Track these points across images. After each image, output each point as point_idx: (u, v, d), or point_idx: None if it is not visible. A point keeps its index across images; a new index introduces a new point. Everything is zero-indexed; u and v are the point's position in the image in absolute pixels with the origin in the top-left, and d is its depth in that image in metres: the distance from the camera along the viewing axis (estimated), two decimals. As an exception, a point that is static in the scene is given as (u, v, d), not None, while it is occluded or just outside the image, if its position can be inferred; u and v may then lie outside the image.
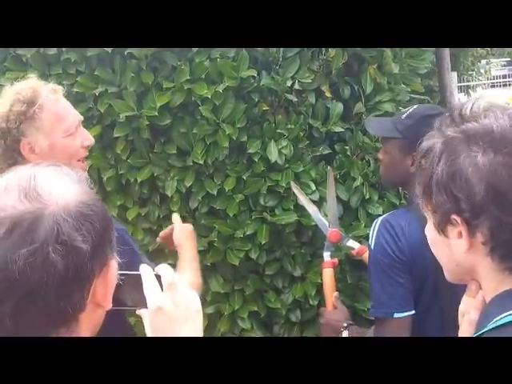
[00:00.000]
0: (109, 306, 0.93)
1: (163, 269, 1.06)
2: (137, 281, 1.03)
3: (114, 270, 0.93)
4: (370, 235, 2.03)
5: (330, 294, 2.40)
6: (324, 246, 2.50)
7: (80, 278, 0.85)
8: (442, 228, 1.04)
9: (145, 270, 1.05)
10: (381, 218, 2.03)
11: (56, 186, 0.87)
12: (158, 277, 1.04)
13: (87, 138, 1.87)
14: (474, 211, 0.96)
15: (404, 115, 2.06)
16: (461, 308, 1.10)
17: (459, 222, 0.99)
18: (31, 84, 1.80)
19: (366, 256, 2.36)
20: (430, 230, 1.09)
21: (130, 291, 1.01)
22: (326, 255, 2.46)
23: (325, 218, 2.58)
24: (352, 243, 2.48)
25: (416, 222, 1.93)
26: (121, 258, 0.96)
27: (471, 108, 1.03)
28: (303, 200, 2.62)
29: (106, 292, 0.92)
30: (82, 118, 1.89)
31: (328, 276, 2.42)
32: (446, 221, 1.01)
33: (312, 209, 2.59)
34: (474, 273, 1.03)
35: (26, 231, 0.80)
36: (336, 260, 2.49)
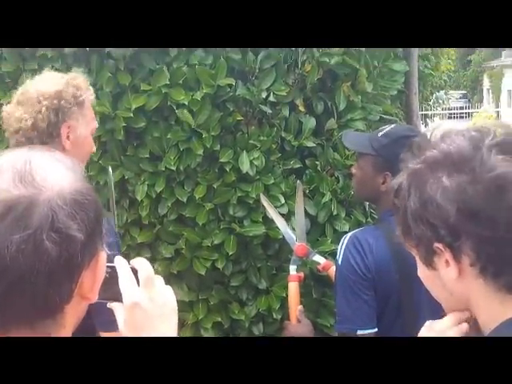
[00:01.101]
0: (95, 298, 0.90)
1: (140, 262, 1.03)
2: (111, 273, 1.00)
3: (102, 262, 0.90)
4: (338, 250, 2.05)
5: (295, 307, 2.41)
6: (290, 260, 2.50)
7: (71, 268, 0.82)
8: (429, 262, 1.04)
9: (120, 263, 1.01)
10: (349, 234, 2.05)
11: (51, 171, 0.84)
12: (135, 270, 1.01)
13: (94, 145, 1.98)
14: (453, 234, 0.97)
15: (381, 133, 2.08)
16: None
17: (442, 248, 0.99)
18: (79, 76, 1.91)
19: (331, 271, 2.38)
20: (421, 270, 1.09)
21: (104, 283, 0.97)
22: (292, 269, 2.47)
23: (292, 232, 2.59)
24: (318, 258, 2.50)
25: (383, 240, 1.96)
26: (109, 251, 0.94)
27: (429, 138, 1.07)
28: (272, 213, 2.63)
29: (94, 284, 0.89)
30: None
31: (293, 290, 2.43)
32: (431, 252, 1.02)
33: (280, 222, 2.61)
34: (469, 300, 1.03)
35: (19, 216, 0.77)
36: (302, 274, 2.50)
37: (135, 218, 2.88)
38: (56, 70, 2.67)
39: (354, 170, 2.21)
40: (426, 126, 9.87)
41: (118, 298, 1.00)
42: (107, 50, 2.65)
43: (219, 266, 2.82)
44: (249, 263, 2.91)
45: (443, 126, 1.10)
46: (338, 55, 2.76)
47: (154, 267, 2.86)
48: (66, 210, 0.80)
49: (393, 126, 2.13)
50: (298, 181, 2.74)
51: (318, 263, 2.48)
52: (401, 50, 4.35)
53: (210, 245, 2.79)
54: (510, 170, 0.95)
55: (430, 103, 8.92)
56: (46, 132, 1.76)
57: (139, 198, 2.79)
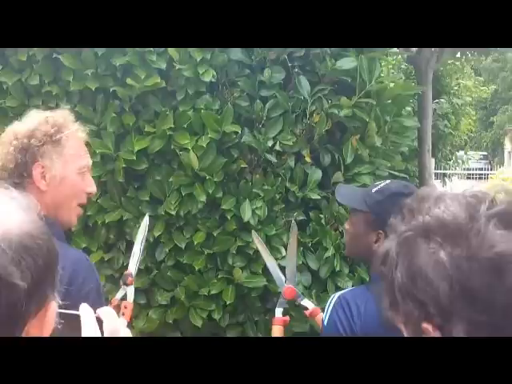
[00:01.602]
0: None
1: (106, 313, 0.95)
2: (74, 321, 0.93)
3: (52, 312, 0.83)
4: (325, 310, 1.94)
5: None
6: (277, 302, 2.41)
7: (14, 318, 0.75)
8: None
9: (85, 312, 0.94)
10: (338, 294, 1.95)
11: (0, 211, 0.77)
12: (100, 321, 0.94)
13: (92, 185, 1.81)
14: (444, 314, 0.86)
15: (375, 189, 1.99)
16: None
17: (431, 329, 0.88)
18: (63, 113, 1.79)
19: (318, 318, 2.28)
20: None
21: (66, 331, 0.90)
22: (278, 311, 2.37)
23: (282, 274, 2.50)
24: (306, 303, 2.39)
25: (373, 304, 1.86)
26: (84, 299, 0.87)
27: (421, 201, 0.96)
28: (262, 251, 2.54)
29: (41, 335, 0.82)
30: (91, 164, 1.86)
31: (277, 333, 2.32)
32: (418, 332, 0.90)
33: (270, 261, 2.51)
34: None
35: None
36: (287, 318, 2.39)
37: (131, 262, 2.81)
38: (59, 107, 2.69)
39: (346, 226, 2.11)
40: (444, 185, 9.79)
41: None
42: (112, 89, 2.64)
43: (216, 316, 2.74)
44: (246, 316, 2.82)
45: (437, 188, 1.02)
46: (347, 107, 2.72)
47: (148, 314, 2.77)
48: (10, 254, 0.73)
49: (387, 181, 2.04)
50: (293, 220, 2.64)
51: (306, 308, 2.37)
52: (415, 106, 4.34)
53: (206, 294, 2.72)
54: (510, 247, 0.83)
55: (450, 162, 8.86)
56: (16, 172, 1.68)
57: (136, 242, 2.72)
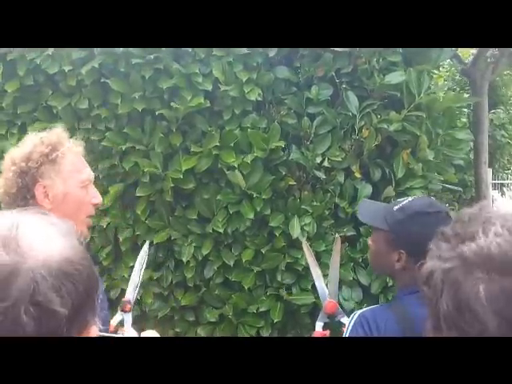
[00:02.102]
0: None
1: (151, 336, 0.96)
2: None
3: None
4: (346, 327, 1.89)
5: None
6: (318, 316, 2.36)
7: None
8: None
9: (131, 335, 0.94)
10: (359, 312, 1.88)
11: (39, 238, 0.77)
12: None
13: (96, 196, 1.83)
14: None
15: (396, 206, 1.89)
16: None
17: None
18: (57, 131, 1.81)
19: None
20: None
21: None
22: (319, 325, 2.31)
23: (326, 287, 2.44)
24: (345, 320, 2.34)
25: (393, 323, 1.79)
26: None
27: (467, 224, 0.90)
28: (310, 261, 2.48)
29: None
30: (93, 176, 1.87)
31: None
32: None
33: (316, 273, 2.45)
34: None
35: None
36: (327, 332, 2.33)
37: (180, 280, 2.83)
38: (109, 129, 2.74)
39: (369, 242, 2.04)
40: (502, 195, 9.52)
41: None
42: (159, 112, 2.66)
43: (264, 334, 2.72)
44: (296, 332, 2.78)
45: (483, 210, 0.93)
46: (397, 121, 2.67)
47: (196, 332, 2.78)
48: (50, 281, 0.73)
49: (410, 199, 1.93)
50: (337, 234, 2.59)
51: (344, 325, 2.32)
52: (470, 118, 4.23)
53: (255, 311, 2.70)
54: None
55: (508, 172, 8.61)
56: (19, 196, 1.71)
57: (185, 260, 2.75)
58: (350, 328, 1.85)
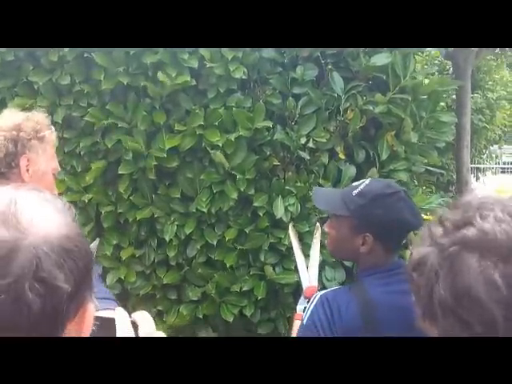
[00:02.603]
0: None
1: (141, 316, 0.94)
2: (109, 326, 0.92)
3: (90, 314, 0.81)
4: (306, 309, 1.88)
5: None
6: (299, 300, 2.38)
7: (54, 321, 0.73)
8: None
9: (120, 316, 0.93)
10: (320, 294, 1.87)
11: (38, 214, 0.75)
12: (135, 325, 0.93)
13: (54, 189, 1.91)
14: (490, 332, 0.80)
15: (355, 191, 1.87)
16: None
17: None
18: (41, 115, 1.86)
19: None
20: None
21: (102, 334, 0.89)
22: (299, 309, 2.33)
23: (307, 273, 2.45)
24: None
25: (355, 305, 1.79)
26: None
27: (463, 210, 0.88)
28: (294, 245, 2.49)
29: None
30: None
31: (297, 328, 2.28)
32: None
33: (299, 258, 2.46)
34: None
35: (0, 263, 0.69)
36: None
37: (162, 259, 2.82)
38: (91, 106, 2.70)
39: (327, 229, 2.01)
40: (477, 180, 9.59)
41: None
42: (143, 84, 2.63)
43: (247, 313, 2.72)
44: (278, 312, 2.79)
45: (479, 194, 0.91)
46: (382, 104, 2.66)
47: (179, 310, 2.77)
48: (53, 257, 0.71)
49: (367, 182, 1.91)
50: (317, 222, 2.57)
51: None
52: (453, 101, 4.25)
53: (238, 290, 2.70)
54: None
55: (483, 157, 8.68)
56: (4, 162, 1.73)
57: (167, 238, 2.73)
58: (310, 308, 1.84)
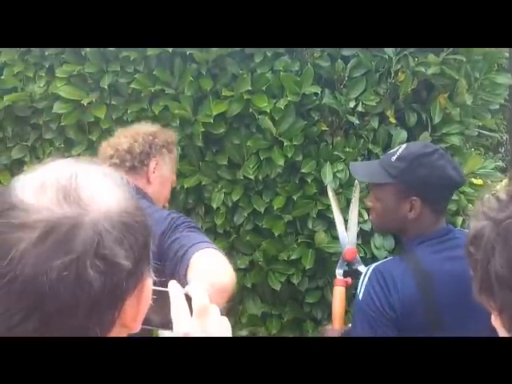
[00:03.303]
0: (137, 329, 0.80)
1: (195, 290, 0.91)
2: (163, 298, 0.90)
3: (148, 290, 0.80)
4: (360, 283, 1.83)
5: (339, 313, 2.22)
6: (338, 263, 2.33)
7: (114, 297, 0.72)
8: None
9: (174, 289, 0.91)
10: (372, 267, 1.84)
11: (98, 189, 0.74)
12: (189, 298, 0.91)
13: (168, 196, 2.22)
14: None
15: (394, 157, 1.84)
16: None
17: None
18: (173, 132, 2.27)
19: None
20: (500, 330, 0.92)
21: (154, 308, 0.87)
22: (339, 273, 2.29)
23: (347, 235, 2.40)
24: (363, 269, 2.30)
25: (410, 275, 1.75)
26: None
27: None
28: (334, 207, 2.44)
29: (137, 314, 0.79)
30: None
31: (338, 294, 2.24)
32: None
33: (339, 219, 2.42)
34: None
35: (62, 239, 0.67)
36: (349, 279, 2.29)
37: (210, 226, 2.81)
38: (138, 72, 2.68)
39: (370, 203, 1.95)
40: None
41: (168, 325, 0.89)
42: (189, 52, 2.58)
43: (295, 281, 2.71)
44: (326, 280, 2.76)
45: None
46: (435, 65, 2.56)
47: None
48: (114, 233, 0.70)
49: (403, 146, 1.88)
50: (356, 182, 2.52)
51: (361, 273, 2.29)
52: (506, 61, 4.07)
53: (286, 259, 2.68)
54: None
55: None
56: (138, 158, 1.99)
57: (215, 206, 2.72)
58: (364, 283, 1.80)
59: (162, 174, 2.07)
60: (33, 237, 0.67)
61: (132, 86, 2.69)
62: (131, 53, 2.66)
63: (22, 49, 2.83)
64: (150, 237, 0.78)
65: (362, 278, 1.83)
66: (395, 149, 1.89)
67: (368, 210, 2.21)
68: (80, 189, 0.72)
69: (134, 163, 1.98)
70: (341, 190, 2.64)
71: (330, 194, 2.46)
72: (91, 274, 0.67)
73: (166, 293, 0.90)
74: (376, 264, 1.85)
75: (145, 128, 2.12)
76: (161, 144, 2.06)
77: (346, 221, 2.39)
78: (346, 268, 2.32)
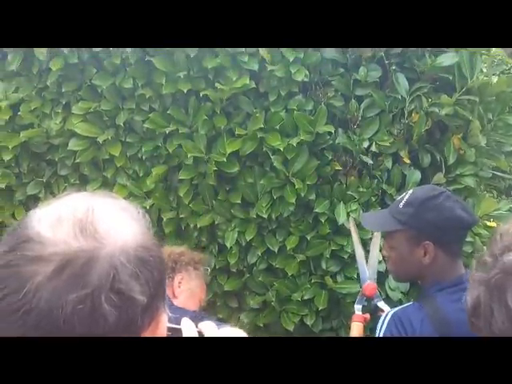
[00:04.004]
0: None
1: (207, 327, 0.90)
2: (177, 336, 0.89)
3: (163, 325, 0.79)
4: (378, 329, 1.81)
5: None
6: (356, 299, 2.30)
7: (129, 332, 0.71)
8: None
9: (187, 326, 0.89)
10: (391, 313, 1.81)
11: (115, 222, 0.73)
12: (201, 334, 0.89)
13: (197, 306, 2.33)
14: None
15: (401, 203, 1.85)
16: None
17: None
18: (201, 255, 2.46)
19: None
20: None
21: None
22: (357, 308, 2.26)
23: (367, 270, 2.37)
24: (382, 305, 2.27)
25: (429, 323, 1.72)
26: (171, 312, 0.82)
27: (500, 240, 0.91)
28: (355, 240, 2.42)
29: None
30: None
31: (356, 330, 2.20)
32: None
33: (359, 252, 2.40)
34: None
35: (77, 272, 0.67)
36: (368, 315, 2.26)
37: (223, 265, 2.79)
38: (153, 110, 2.70)
39: (385, 253, 1.96)
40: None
41: None
42: (202, 93, 2.62)
43: (308, 322, 2.67)
44: (340, 322, 2.72)
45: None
46: (448, 105, 2.57)
47: (239, 318, 2.77)
48: (129, 268, 0.70)
49: (410, 192, 1.89)
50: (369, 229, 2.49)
51: (382, 311, 2.24)
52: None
53: (299, 299, 2.65)
54: None
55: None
56: (160, 279, 2.08)
57: (228, 245, 2.70)
58: (382, 329, 1.78)
59: (187, 288, 2.25)
60: (48, 270, 0.66)
61: (146, 125, 2.71)
62: (147, 91, 2.69)
63: (38, 86, 2.87)
64: (164, 272, 0.78)
65: (380, 322, 1.81)
66: (402, 195, 1.90)
67: (385, 259, 2.20)
68: (96, 222, 0.71)
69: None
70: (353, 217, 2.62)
71: (352, 228, 2.45)
72: (106, 308, 0.67)
73: (180, 330, 0.89)
74: (395, 310, 1.83)
75: (174, 249, 2.34)
76: (185, 261, 2.26)
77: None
78: (365, 303, 2.29)
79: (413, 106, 2.61)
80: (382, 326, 1.78)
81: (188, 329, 0.89)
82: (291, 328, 2.66)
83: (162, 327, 0.78)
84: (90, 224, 0.71)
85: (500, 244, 0.90)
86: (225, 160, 2.60)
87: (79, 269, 0.67)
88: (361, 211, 2.61)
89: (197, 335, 0.89)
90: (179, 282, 2.22)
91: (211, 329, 0.90)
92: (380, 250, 2.40)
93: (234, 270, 2.77)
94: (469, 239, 2.43)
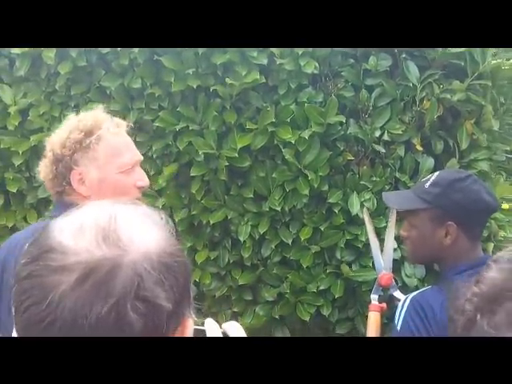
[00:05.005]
0: None
1: (231, 327, 0.90)
2: (201, 336, 0.88)
3: (189, 330, 0.78)
4: (397, 315, 1.79)
5: None
6: (373, 288, 2.29)
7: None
8: None
9: (211, 326, 0.89)
10: (410, 297, 1.80)
11: (137, 230, 0.72)
12: (225, 335, 0.89)
13: (142, 178, 1.78)
14: None
15: (427, 183, 1.85)
16: None
17: None
18: (94, 114, 1.78)
19: None
20: None
21: None
22: (374, 298, 2.25)
23: (382, 259, 2.36)
24: (398, 294, 2.26)
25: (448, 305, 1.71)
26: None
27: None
28: (369, 230, 2.42)
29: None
30: (141, 158, 1.82)
31: (373, 320, 2.20)
32: None
33: (375, 243, 2.39)
34: None
35: (101, 281, 0.66)
36: (384, 305, 2.26)
37: (237, 259, 2.80)
38: (163, 108, 2.69)
39: (404, 233, 1.94)
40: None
41: None
42: (212, 88, 2.60)
43: (324, 312, 2.67)
44: (356, 310, 2.72)
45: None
46: (460, 91, 2.54)
47: (255, 311, 2.76)
48: (154, 274, 0.69)
49: (436, 173, 1.89)
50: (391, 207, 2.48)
51: (398, 300, 2.23)
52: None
53: (315, 290, 2.65)
54: None
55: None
56: (56, 182, 1.71)
57: (242, 239, 2.70)
58: (402, 314, 1.77)
59: (91, 179, 1.71)
60: (71, 279, 0.66)
61: (157, 124, 2.71)
62: (156, 89, 2.68)
63: (47, 90, 2.88)
64: (189, 276, 0.77)
65: (399, 308, 1.80)
66: (428, 176, 1.90)
67: (402, 241, 2.18)
68: (119, 230, 0.70)
69: (56, 189, 1.75)
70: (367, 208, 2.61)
71: (366, 218, 2.44)
72: (132, 316, 0.66)
73: (203, 331, 0.89)
74: (413, 294, 1.82)
75: (54, 138, 1.75)
76: (69, 153, 1.71)
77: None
78: (382, 293, 2.29)
79: (424, 94, 2.58)
80: (401, 312, 1.78)
81: (212, 330, 0.89)
82: (307, 319, 2.66)
83: (188, 332, 0.77)
84: (113, 232, 0.70)
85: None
86: (236, 155, 2.59)
87: (103, 277, 0.66)
88: (374, 200, 2.60)
89: (221, 336, 0.89)
90: (80, 179, 1.70)
91: (236, 328, 0.90)
92: (395, 238, 2.40)
93: (248, 264, 2.77)
94: (485, 223, 2.42)
